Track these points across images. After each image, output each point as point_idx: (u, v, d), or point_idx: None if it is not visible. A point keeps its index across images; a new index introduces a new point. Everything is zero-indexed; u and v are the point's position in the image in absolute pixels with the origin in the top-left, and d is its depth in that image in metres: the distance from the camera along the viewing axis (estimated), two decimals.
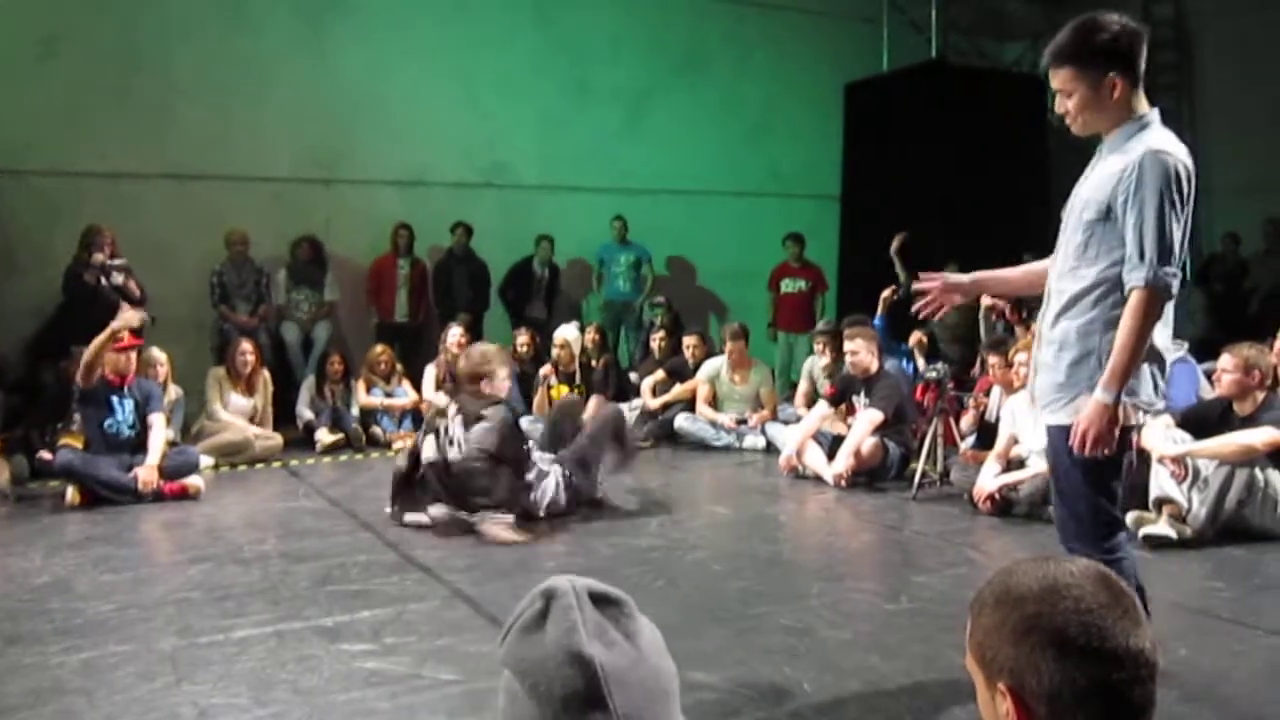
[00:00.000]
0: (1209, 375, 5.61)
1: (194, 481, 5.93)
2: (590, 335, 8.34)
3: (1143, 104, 2.66)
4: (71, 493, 5.62)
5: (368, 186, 9.32)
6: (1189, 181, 2.56)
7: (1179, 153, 2.57)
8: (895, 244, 8.82)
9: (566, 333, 8.02)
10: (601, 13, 10.25)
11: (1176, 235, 2.55)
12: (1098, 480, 2.68)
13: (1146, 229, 2.53)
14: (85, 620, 3.73)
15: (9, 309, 7.94)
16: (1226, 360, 4.90)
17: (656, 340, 8.61)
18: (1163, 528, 4.67)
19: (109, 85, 8.28)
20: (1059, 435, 2.71)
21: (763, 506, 5.83)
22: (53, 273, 7.72)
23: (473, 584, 4.16)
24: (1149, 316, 2.55)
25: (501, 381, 5.26)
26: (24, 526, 5.25)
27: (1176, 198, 2.54)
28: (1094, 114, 2.67)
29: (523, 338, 8.46)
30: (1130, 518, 4.78)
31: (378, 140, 9.28)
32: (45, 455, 6.09)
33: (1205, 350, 6.30)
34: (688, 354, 8.15)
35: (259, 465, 6.91)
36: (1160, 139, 2.60)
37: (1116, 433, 2.59)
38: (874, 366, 6.52)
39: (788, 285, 9.86)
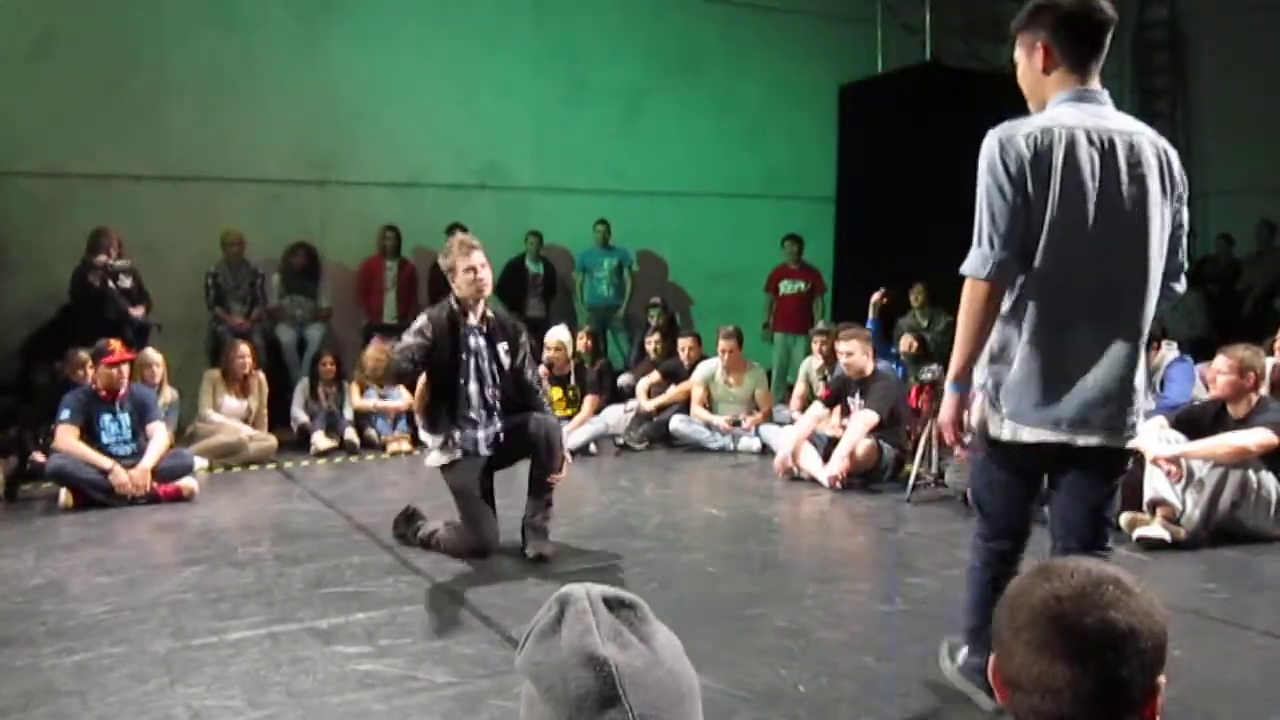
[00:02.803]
0: (1203, 376, 5.63)
1: (188, 483, 5.92)
2: (583, 340, 8.32)
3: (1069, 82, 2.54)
4: (64, 494, 5.62)
5: (362, 188, 9.30)
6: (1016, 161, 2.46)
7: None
8: (876, 299, 8.01)
9: (559, 334, 7.98)
10: (598, 14, 10.24)
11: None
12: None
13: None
14: (78, 622, 3.72)
15: (1, 310, 7.92)
16: (1221, 362, 4.90)
17: (652, 342, 8.61)
18: (1157, 529, 4.67)
19: (102, 86, 8.25)
20: None
21: (758, 508, 5.82)
22: (45, 274, 7.71)
23: (467, 586, 4.16)
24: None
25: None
26: (17, 528, 5.24)
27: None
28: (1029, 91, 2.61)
29: None
30: (1124, 519, 4.80)
31: (372, 141, 9.25)
32: (39, 456, 6.08)
33: (1199, 351, 6.32)
34: (683, 355, 8.15)
35: (253, 467, 6.90)
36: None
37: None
38: (869, 368, 6.51)
39: (786, 287, 9.85)
